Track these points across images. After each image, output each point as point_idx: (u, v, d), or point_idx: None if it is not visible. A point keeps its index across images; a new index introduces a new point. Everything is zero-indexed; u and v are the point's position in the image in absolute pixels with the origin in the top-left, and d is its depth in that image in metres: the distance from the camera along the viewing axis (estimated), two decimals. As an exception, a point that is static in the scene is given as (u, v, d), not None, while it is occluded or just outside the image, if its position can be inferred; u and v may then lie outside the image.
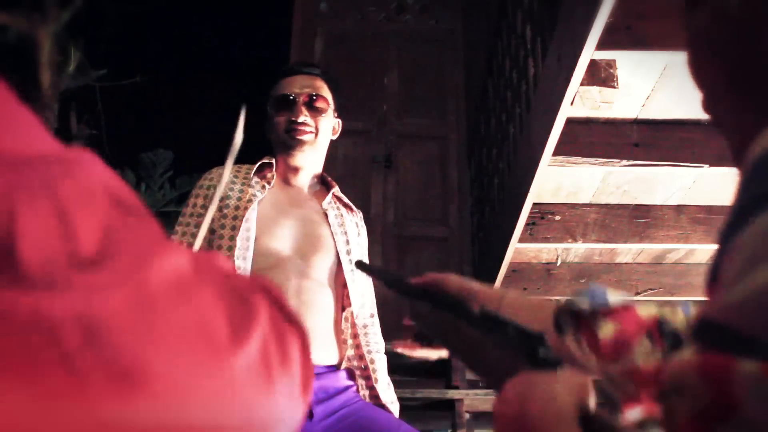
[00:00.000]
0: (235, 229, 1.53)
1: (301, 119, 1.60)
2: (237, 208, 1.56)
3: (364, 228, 1.75)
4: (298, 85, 1.64)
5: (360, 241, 1.70)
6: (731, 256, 0.33)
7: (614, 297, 0.63)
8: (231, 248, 1.51)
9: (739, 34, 0.44)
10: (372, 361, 1.58)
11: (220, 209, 1.57)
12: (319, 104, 1.63)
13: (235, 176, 1.63)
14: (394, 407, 1.58)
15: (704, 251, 3.16)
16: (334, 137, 1.72)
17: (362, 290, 1.65)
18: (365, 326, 1.63)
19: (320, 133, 1.63)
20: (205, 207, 1.59)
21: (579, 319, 0.63)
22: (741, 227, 0.33)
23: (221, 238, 1.54)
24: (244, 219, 1.53)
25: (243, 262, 1.50)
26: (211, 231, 1.57)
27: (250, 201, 1.57)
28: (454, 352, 0.75)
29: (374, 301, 1.71)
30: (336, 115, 1.71)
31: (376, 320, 1.68)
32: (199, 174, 1.69)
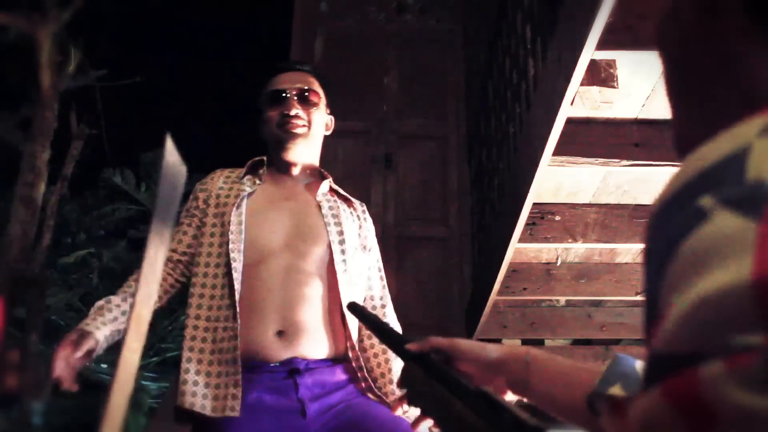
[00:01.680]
0: (224, 225, 1.54)
1: (293, 112, 1.60)
2: (225, 204, 1.57)
3: (369, 220, 1.73)
4: (289, 81, 1.65)
5: (363, 233, 1.68)
6: (664, 291, 0.33)
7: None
8: (221, 245, 1.52)
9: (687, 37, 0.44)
10: (385, 351, 1.57)
11: (205, 210, 1.59)
12: (312, 98, 1.64)
13: (226, 180, 1.64)
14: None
15: (704, 251, 3.16)
16: (328, 133, 1.72)
17: (357, 281, 1.62)
18: (384, 315, 1.63)
19: (313, 125, 1.63)
20: (199, 209, 1.60)
21: (614, 403, 0.59)
22: (666, 260, 0.33)
23: (212, 235, 1.55)
24: (233, 213, 1.53)
25: (238, 254, 1.50)
26: (197, 226, 1.59)
27: (238, 195, 1.57)
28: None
29: (386, 293, 1.69)
30: (329, 111, 1.71)
31: (389, 311, 1.66)
32: (199, 174, 1.69)
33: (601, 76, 1.95)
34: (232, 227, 1.52)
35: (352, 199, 1.72)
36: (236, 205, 1.55)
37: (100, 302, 1.47)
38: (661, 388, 0.30)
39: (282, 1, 4.83)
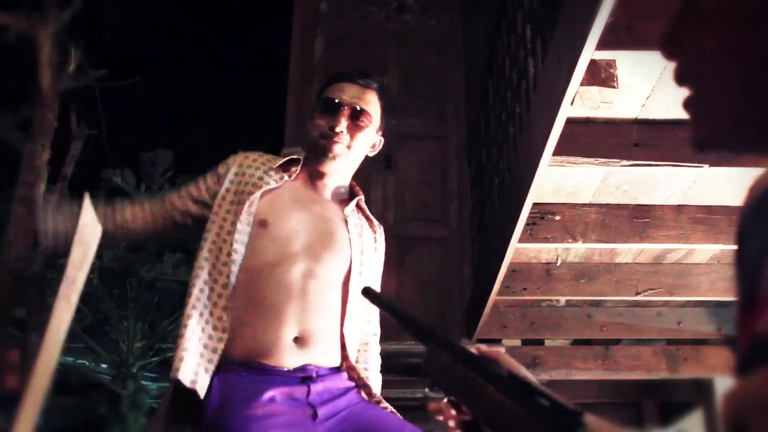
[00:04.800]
0: (236, 214, 1.50)
1: (338, 129, 1.56)
2: (242, 193, 1.53)
3: (383, 245, 1.71)
4: (348, 94, 1.59)
5: (377, 257, 1.67)
6: None
7: None
8: (231, 233, 1.49)
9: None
10: (367, 378, 1.57)
11: (227, 190, 1.55)
12: (362, 120, 1.58)
13: (252, 164, 1.59)
14: None
15: (704, 251, 3.16)
16: (372, 153, 1.67)
17: (366, 305, 1.60)
18: (366, 343, 1.61)
19: (354, 148, 1.59)
20: (209, 190, 1.57)
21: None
22: None
23: (225, 220, 1.51)
24: (247, 203, 1.50)
25: (241, 246, 1.48)
26: (208, 202, 1.56)
27: (257, 185, 1.53)
28: (473, 411, 0.66)
29: (378, 321, 1.68)
30: (381, 133, 1.66)
31: (377, 339, 1.66)
32: (199, 174, 1.67)
33: (601, 76, 1.95)
34: (242, 217, 1.49)
35: (374, 221, 1.70)
36: (253, 195, 1.51)
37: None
38: None
39: (282, 1, 4.83)
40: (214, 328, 1.44)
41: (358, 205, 1.66)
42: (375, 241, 1.68)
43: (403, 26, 4.50)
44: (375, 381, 1.60)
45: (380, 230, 1.71)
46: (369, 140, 1.63)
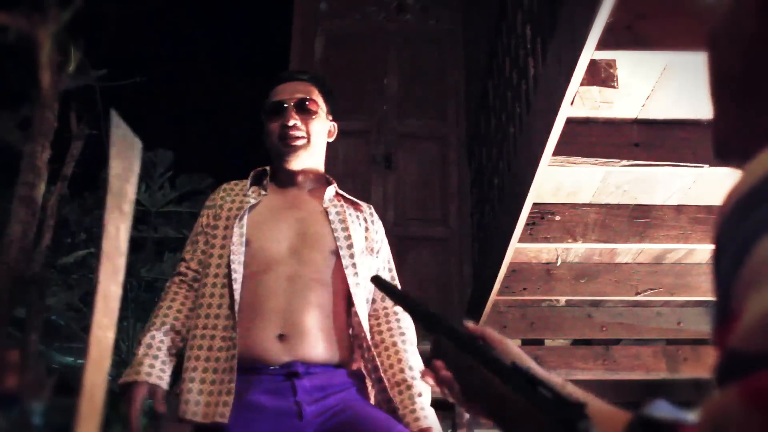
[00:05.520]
0: (226, 238, 1.55)
1: (291, 123, 1.62)
2: (228, 218, 1.59)
3: (377, 222, 1.73)
4: (288, 92, 1.66)
5: (370, 236, 1.68)
6: (740, 287, 0.31)
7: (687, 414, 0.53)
8: (222, 256, 1.54)
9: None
10: (395, 344, 1.58)
11: (215, 225, 1.61)
12: (310, 107, 1.65)
13: (229, 193, 1.66)
14: (427, 420, 1.50)
15: (704, 251, 3.16)
16: (330, 140, 1.73)
17: (365, 285, 1.61)
18: (387, 315, 1.62)
19: (312, 135, 1.65)
20: (209, 225, 1.62)
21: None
22: (743, 257, 0.32)
23: (213, 247, 1.57)
24: (235, 225, 1.55)
25: (239, 266, 1.52)
26: (205, 242, 1.61)
27: (241, 208, 1.59)
28: (475, 398, 0.67)
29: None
30: (330, 118, 1.72)
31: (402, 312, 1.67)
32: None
33: (601, 76, 1.95)
34: (234, 239, 1.53)
35: (359, 202, 1.72)
36: (239, 217, 1.57)
37: (147, 339, 1.49)
38: (740, 387, 0.29)
39: (282, 1, 4.84)
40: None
41: (336, 193, 1.69)
42: (365, 221, 1.69)
43: (403, 26, 4.51)
44: (409, 354, 1.58)
45: (369, 208, 1.73)
46: (323, 127, 1.69)
